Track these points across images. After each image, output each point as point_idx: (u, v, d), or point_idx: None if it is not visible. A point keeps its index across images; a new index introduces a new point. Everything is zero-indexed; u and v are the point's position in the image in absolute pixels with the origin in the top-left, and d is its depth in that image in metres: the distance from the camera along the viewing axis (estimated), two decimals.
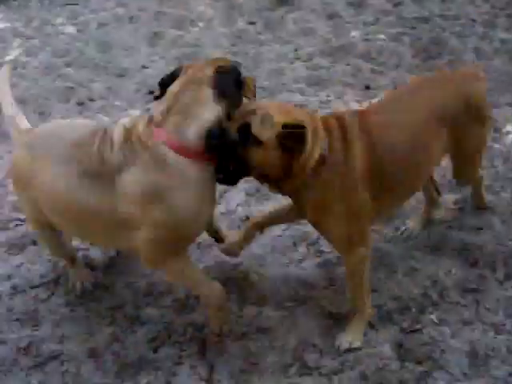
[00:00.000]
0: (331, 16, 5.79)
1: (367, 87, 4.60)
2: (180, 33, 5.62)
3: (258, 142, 2.22)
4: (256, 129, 2.22)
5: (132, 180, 2.31)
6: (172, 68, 2.60)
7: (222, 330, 2.64)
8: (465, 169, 3.00)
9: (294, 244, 3.18)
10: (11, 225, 3.47)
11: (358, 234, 2.50)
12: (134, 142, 2.34)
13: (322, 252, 3.12)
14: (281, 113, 2.27)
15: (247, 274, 2.99)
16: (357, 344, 2.59)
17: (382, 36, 5.32)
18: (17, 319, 2.88)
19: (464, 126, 2.68)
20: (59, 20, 6.44)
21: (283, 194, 2.53)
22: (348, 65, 4.91)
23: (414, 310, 2.77)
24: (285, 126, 2.21)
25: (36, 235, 3.34)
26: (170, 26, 5.75)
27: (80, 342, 2.73)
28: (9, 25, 6.46)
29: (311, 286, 2.92)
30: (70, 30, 6.14)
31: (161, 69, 4.81)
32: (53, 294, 3.00)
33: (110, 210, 2.36)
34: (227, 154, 2.28)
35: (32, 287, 3.05)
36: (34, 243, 3.33)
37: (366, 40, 5.28)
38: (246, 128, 2.23)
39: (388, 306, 2.79)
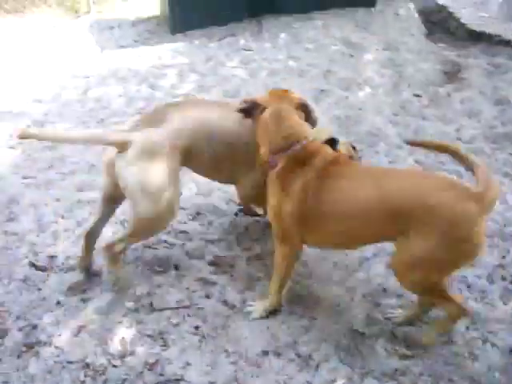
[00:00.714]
0: (500, 101, 5.66)
1: None
2: (346, 94, 5.77)
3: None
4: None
5: None
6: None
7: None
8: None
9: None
10: (160, 246, 3.71)
11: (282, 234, 2.90)
12: None
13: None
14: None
15: (374, 346, 2.95)
16: (255, 314, 3.10)
17: None
18: (148, 335, 3.04)
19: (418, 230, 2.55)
20: (233, 63, 6.88)
21: None
22: (511, 154, 4.75)
23: None
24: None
25: (179, 260, 3.57)
26: (337, 86, 5.93)
27: (202, 372, 2.82)
28: (188, 61, 7.01)
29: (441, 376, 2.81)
30: (242, 73, 6.52)
31: (321, 126, 4.95)
32: (185, 320, 3.14)
33: None
34: None
35: (167, 309, 3.22)
36: (176, 268, 3.53)
37: None
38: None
39: None
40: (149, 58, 7.24)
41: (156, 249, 3.68)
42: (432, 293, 2.74)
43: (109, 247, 3.12)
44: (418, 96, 5.82)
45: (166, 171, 2.97)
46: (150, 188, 2.93)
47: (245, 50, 7.30)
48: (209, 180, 3.61)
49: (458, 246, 2.52)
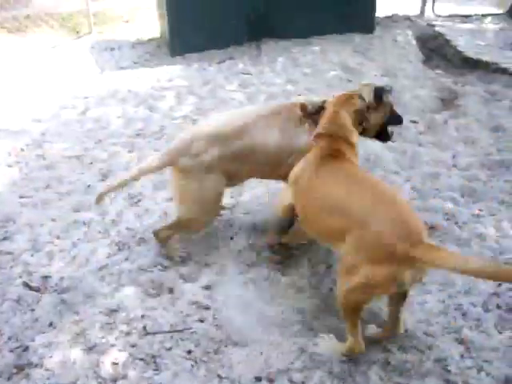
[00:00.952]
0: (496, 128, 5.67)
1: None
2: None
3: None
4: None
5: None
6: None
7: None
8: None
9: None
10: (155, 268, 3.70)
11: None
12: None
13: None
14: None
15: (368, 372, 2.91)
16: None
17: None
18: (141, 359, 3.02)
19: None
20: (232, 87, 6.93)
21: None
22: (507, 181, 4.74)
23: None
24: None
25: (173, 283, 3.56)
26: None
27: None
28: (187, 83, 7.06)
29: None
30: (241, 97, 6.56)
31: None
32: (178, 344, 3.12)
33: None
34: None
35: (160, 333, 3.19)
36: (170, 291, 3.52)
37: None
38: None
39: None
40: (148, 80, 7.29)
41: (151, 271, 3.67)
42: (348, 315, 2.88)
43: (156, 234, 3.85)
44: (414, 122, 5.85)
45: (196, 193, 3.60)
46: (187, 207, 3.68)
47: (243, 73, 7.36)
48: None
49: (374, 277, 2.66)
